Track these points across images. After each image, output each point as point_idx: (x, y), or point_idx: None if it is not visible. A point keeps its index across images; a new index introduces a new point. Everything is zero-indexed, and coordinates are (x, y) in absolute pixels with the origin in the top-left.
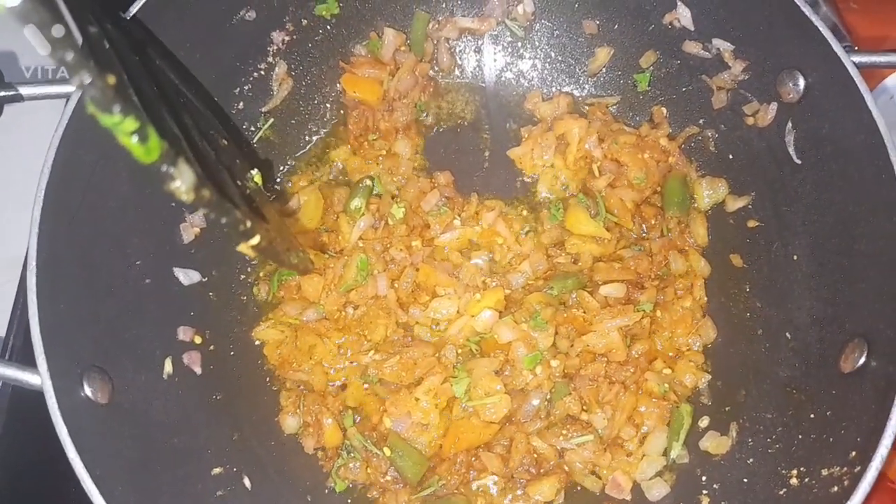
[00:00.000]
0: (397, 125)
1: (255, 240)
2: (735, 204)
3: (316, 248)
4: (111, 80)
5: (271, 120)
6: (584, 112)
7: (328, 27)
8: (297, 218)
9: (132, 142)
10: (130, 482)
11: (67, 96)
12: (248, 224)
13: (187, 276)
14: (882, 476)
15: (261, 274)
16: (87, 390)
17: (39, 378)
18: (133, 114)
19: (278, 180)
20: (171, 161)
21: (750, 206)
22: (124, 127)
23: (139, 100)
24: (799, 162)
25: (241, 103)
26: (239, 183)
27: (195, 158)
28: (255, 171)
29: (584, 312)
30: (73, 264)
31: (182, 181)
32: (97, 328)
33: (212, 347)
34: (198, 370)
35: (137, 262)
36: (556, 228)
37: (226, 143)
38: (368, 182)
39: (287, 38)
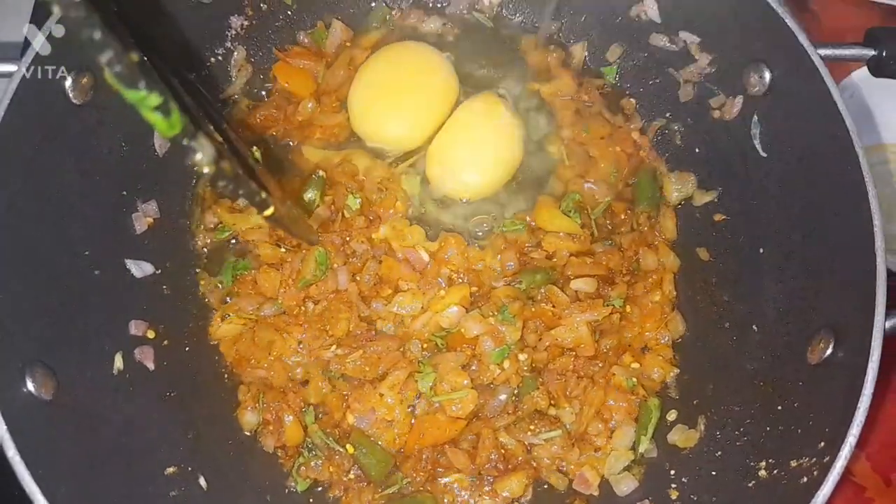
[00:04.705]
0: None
1: (270, 210)
2: (702, 198)
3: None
4: (135, 57)
5: (229, 108)
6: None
7: (289, 13)
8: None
9: (156, 116)
10: (76, 482)
11: (10, 75)
12: (263, 195)
13: (139, 268)
14: (845, 470)
15: (204, 260)
16: (30, 385)
17: None
18: (157, 89)
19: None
20: (192, 135)
21: (716, 200)
22: (149, 102)
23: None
24: (764, 155)
25: None
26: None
27: (217, 133)
28: (255, 148)
29: (553, 307)
30: (14, 253)
31: (203, 154)
32: (41, 321)
33: (165, 342)
34: (150, 366)
35: (86, 253)
36: (526, 229)
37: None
38: (321, 173)
39: (246, 23)
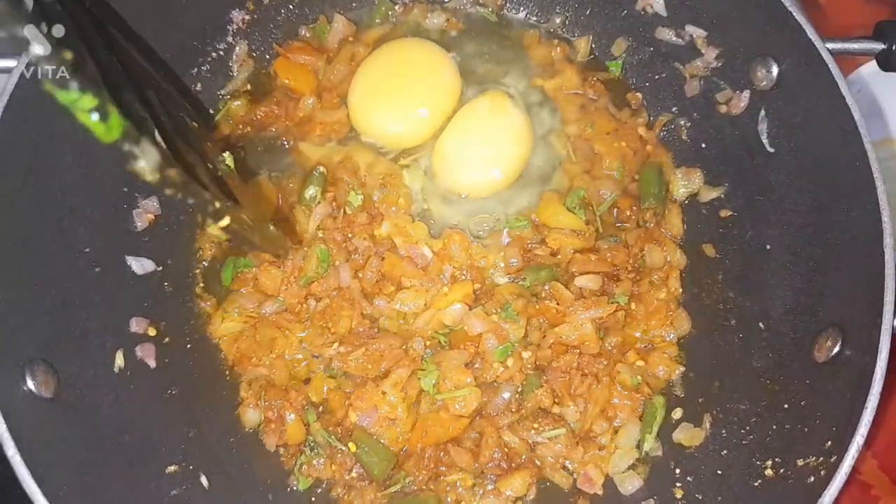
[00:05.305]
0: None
1: (225, 221)
2: (709, 194)
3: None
4: (68, 55)
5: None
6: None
7: (291, 6)
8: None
9: (92, 119)
10: (77, 482)
11: (9, 71)
12: (217, 205)
13: (141, 265)
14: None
15: (206, 258)
16: (30, 384)
17: None
18: (91, 90)
19: None
20: (134, 140)
21: (723, 196)
22: (82, 104)
23: (103, 79)
24: (772, 150)
25: (199, 85)
26: (210, 165)
27: (162, 139)
28: (226, 154)
29: (558, 304)
30: (14, 250)
31: (146, 161)
32: (41, 319)
33: (166, 340)
34: (152, 363)
35: (86, 250)
36: (531, 226)
37: (196, 125)
38: (322, 169)
39: (247, 18)
